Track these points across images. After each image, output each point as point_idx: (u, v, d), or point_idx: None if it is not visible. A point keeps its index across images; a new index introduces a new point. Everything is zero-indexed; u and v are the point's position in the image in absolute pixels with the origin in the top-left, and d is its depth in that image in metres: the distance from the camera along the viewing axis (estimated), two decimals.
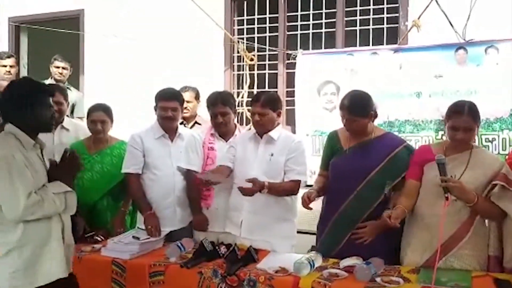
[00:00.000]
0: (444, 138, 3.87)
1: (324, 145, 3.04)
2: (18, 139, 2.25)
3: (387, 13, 4.93)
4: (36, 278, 2.23)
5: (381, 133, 2.89)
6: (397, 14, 4.84)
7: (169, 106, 3.23)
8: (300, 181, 2.98)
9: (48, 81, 4.89)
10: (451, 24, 3.96)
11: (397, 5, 4.85)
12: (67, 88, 4.94)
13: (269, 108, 2.98)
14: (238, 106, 3.43)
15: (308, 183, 3.01)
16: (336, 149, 2.90)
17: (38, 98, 2.30)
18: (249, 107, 4.79)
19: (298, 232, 3.15)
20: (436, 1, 3.99)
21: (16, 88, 2.36)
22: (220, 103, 3.18)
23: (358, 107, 2.75)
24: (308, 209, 2.78)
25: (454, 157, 2.54)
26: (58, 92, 3.54)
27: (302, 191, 2.94)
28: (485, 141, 3.78)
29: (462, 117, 2.48)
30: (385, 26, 4.93)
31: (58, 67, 4.99)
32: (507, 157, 3.02)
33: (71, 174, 2.39)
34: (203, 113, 4.04)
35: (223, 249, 2.74)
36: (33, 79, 2.44)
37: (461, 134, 2.48)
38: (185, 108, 3.75)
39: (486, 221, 2.60)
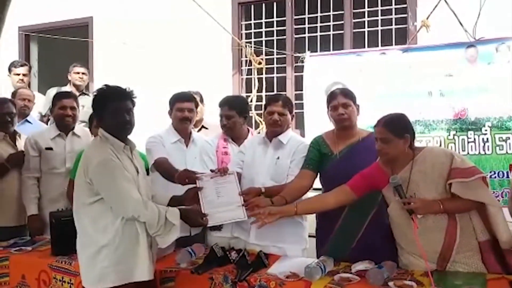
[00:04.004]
0: (455, 138, 3.84)
1: (310, 148, 2.94)
2: (109, 143, 2.42)
3: (395, 14, 4.90)
4: (126, 275, 2.37)
5: (367, 134, 2.88)
6: (405, 15, 4.80)
7: (186, 107, 3.28)
8: None
9: (67, 88, 4.92)
10: (460, 23, 3.92)
11: (405, 5, 4.81)
12: (86, 94, 4.98)
13: (287, 109, 3.00)
14: None
15: (314, 186, 2.97)
16: (324, 154, 2.87)
17: (108, 105, 2.43)
18: (258, 111, 4.82)
19: (309, 236, 3.11)
20: (445, 1, 3.95)
21: (95, 95, 2.53)
22: (226, 106, 3.20)
23: (349, 91, 2.90)
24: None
25: (403, 174, 2.47)
26: (72, 98, 3.59)
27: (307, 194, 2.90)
28: (499, 140, 3.72)
29: (378, 128, 2.51)
30: (393, 27, 4.89)
31: (78, 73, 5.03)
32: None
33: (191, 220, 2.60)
34: (210, 118, 4.05)
35: (233, 255, 2.72)
36: (109, 85, 2.52)
37: (378, 144, 2.50)
38: None
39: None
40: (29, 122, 4.31)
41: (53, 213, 3.02)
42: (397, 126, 2.48)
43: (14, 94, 4.36)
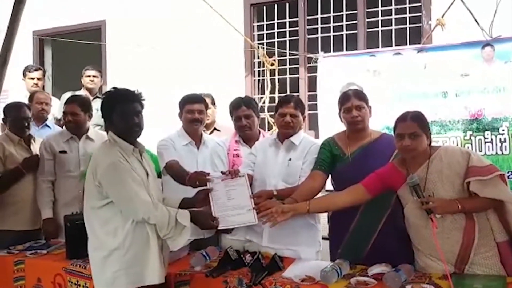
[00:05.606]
0: (472, 138, 3.79)
1: (321, 150, 2.91)
2: (118, 146, 2.41)
3: (409, 13, 4.85)
4: (137, 279, 2.36)
5: (378, 135, 2.85)
6: (420, 14, 4.75)
7: (196, 108, 3.26)
8: None
9: (81, 92, 4.94)
10: (476, 22, 3.85)
11: (419, 4, 4.76)
12: (99, 98, 4.97)
13: (299, 110, 2.97)
14: (260, 111, 3.40)
15: (327, 188, 2.94)
16: (336, 155, 2.84)
17: (116, 108, 2.42)
18: (271, 113, 4.80)
19: (323, 238, 3.08)
20: None
21: (104, 98, 2.55)
22: (243, 106, 3.17)
23: (362, 93, 2.88)
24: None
25: (419, 174, 2.44)
26: (75, 103, 3.56)
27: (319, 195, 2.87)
28: None
29: (406, 123, 2.44)
30: (408, 26, 4.84)
31: (89, 76, 5.05)
32: None
33: (201, 223, 2.57)
34: (222, 120, 4.03)
35: (248, 258, 2.70)
36: (117, 87, 2.53)
37: (407, 140, 2.42)
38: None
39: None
40: (48, 127, 4.36)
41: (68, 217, 3.03)
42: (423, 121, 2.47)
43: (31, 97, 4.40)
